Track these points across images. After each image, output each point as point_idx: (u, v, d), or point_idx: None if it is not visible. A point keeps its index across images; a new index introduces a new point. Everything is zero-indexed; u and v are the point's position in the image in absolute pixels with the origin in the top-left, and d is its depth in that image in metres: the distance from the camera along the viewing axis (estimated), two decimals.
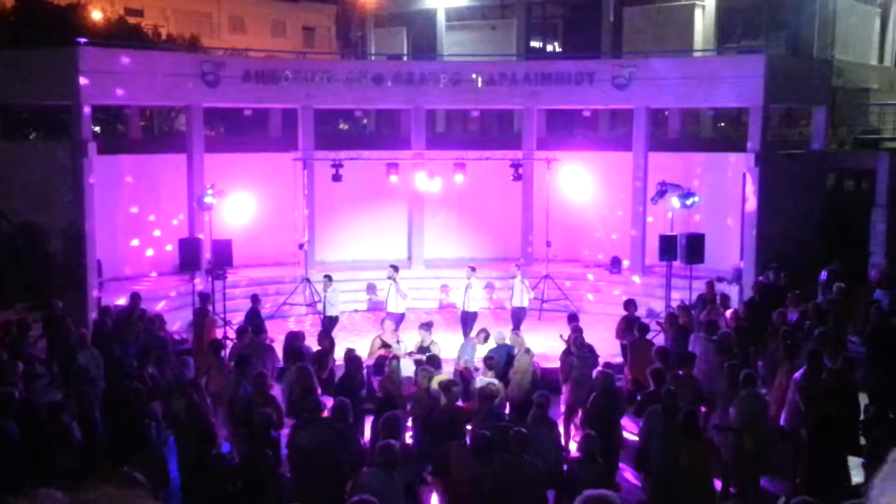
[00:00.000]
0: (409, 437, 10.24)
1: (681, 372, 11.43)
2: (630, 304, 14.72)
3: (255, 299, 15.63)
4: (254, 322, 14.25)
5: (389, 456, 7.84)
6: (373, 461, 8.03)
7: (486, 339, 13.43)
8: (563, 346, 13.27)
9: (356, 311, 20.65)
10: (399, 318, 16.27)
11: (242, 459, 8.83)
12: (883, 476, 1.74)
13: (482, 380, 11.67)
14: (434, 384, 11.09)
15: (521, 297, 17.56)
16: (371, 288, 20.51)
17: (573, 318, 14.10)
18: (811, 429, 8.72)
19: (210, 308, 15.57)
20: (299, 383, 10.84)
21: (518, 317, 17.28)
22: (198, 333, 15.11)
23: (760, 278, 17.56)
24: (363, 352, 13.12)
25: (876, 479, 1.75)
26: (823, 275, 16.60)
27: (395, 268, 17.26)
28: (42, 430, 8.94)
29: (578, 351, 12.44)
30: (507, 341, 13.16)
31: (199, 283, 17.88)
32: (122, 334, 13.78)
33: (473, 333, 14.70)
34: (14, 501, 1.91)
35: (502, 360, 12.52)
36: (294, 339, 13.15)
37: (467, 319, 16.75)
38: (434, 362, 11.84)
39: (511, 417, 10.93)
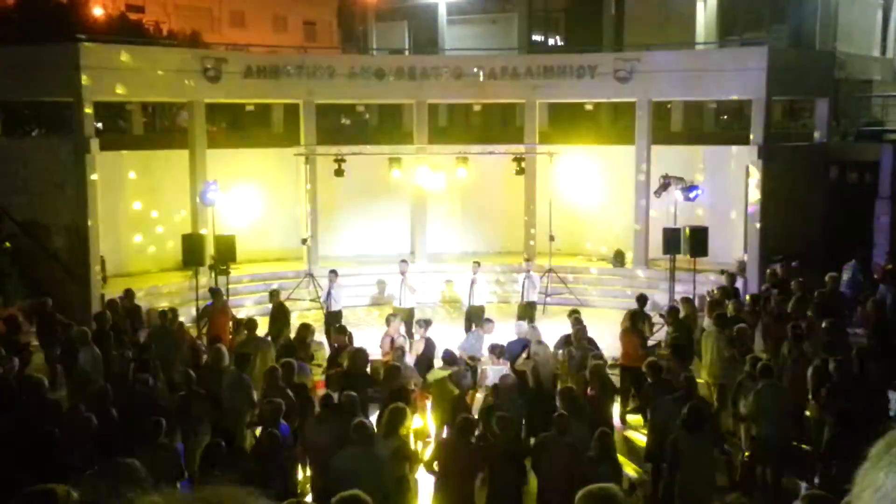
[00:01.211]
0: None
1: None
2: (641, 300, 14.69)
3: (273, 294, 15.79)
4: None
5: (364, 433, 8.25)
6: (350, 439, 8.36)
7: (491, 329, 13.53)
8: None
9: (358, 305, 20.62)
10: (408, 313, 16.31)
11: (255, 442, 8.97)
12: (863, 471, 1.67)
13: (495, 369, 11.70)
14: (439, 376, 11.20)
15: (530, 291, 17.56)
16: (381, 283, 20.56)
17: (574, 313, 14.13)
18: (831, 423, 8.73)
19: (216, 303, 15.58)
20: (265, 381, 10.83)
21: (531, 311, 17.30)
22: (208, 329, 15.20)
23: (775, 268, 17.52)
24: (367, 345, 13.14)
25: (858, 474, 1.68)
26: (852, 264, 16.59)
27: (406, 262, 17.31)
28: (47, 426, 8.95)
29: (578, 343, 12.45)
30: (527, 335, 13.19)
31: (209, 280, 17.89)
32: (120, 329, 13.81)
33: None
34: None
35: (517, 352, 12.57)
36: (305, 333, 13.19)
37: (473, 314, 16.72)
38: (450, 360, 11.88)
39: (533, 408, 10.99)
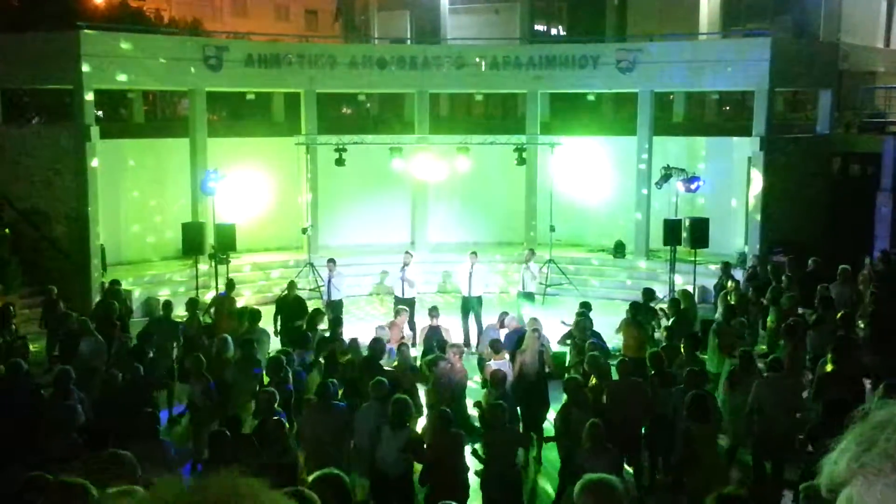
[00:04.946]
0: None
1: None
2: (649, 293, 14.64)
3: (291, 285, 15.93)
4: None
5: (383, 390, 9.25)
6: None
7: (511, 323, 13.58)
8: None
9: (358, 295, 20.59)
10: (409, 304, 16.29)
11: (257, 426, 9.26)
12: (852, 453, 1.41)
13: (495, 363, 11.71)
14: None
15: (530, 283, 17.50)
16: (383, 273, 20.54)
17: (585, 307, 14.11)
18: (822, 413, 8.76)
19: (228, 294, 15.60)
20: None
21: (530, 300, 17.26)
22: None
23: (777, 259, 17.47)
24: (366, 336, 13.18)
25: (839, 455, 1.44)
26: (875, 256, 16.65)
27: (411, 254, 17.28)
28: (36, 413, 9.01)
29: (581, 335, 12.42)
30: (525, 325, 13.17)
31: (209, 269, 17.87)
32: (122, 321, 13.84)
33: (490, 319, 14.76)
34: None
35: (513, 343, 12.57)
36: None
37: (470, 305, 16.68)
38: (441, 347, 11.92)
39: (521, 397, 11.05)
